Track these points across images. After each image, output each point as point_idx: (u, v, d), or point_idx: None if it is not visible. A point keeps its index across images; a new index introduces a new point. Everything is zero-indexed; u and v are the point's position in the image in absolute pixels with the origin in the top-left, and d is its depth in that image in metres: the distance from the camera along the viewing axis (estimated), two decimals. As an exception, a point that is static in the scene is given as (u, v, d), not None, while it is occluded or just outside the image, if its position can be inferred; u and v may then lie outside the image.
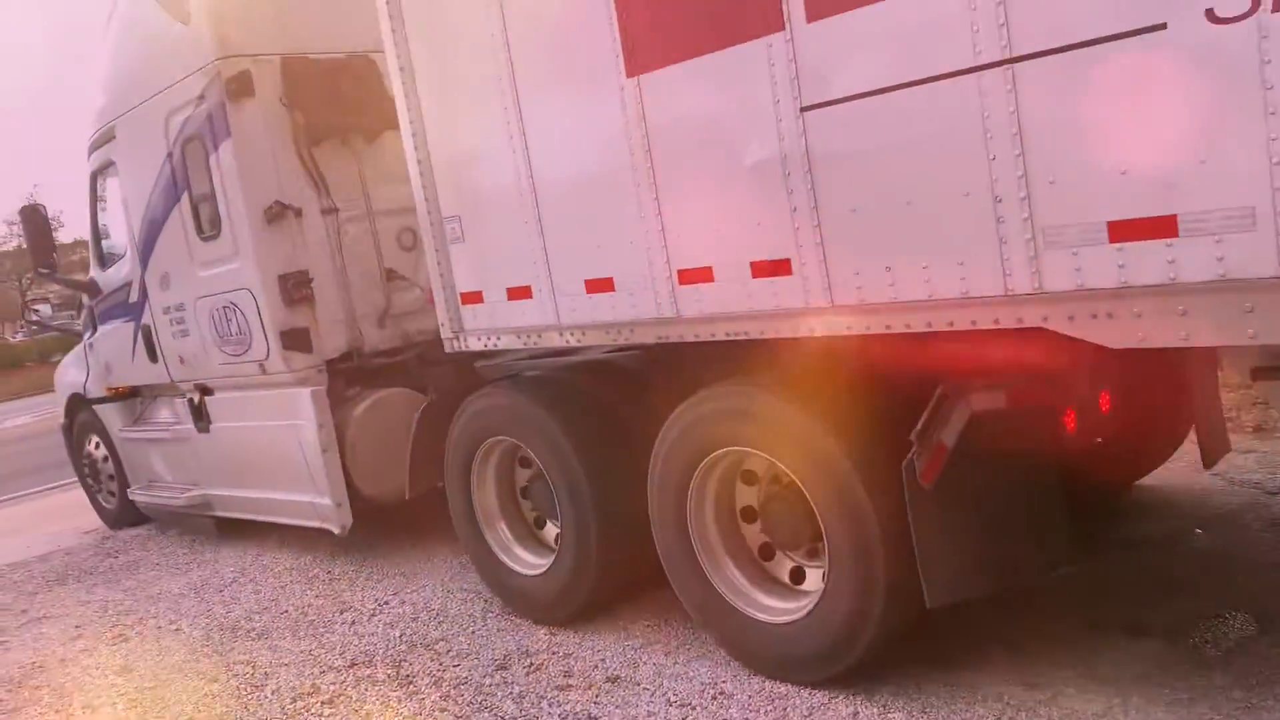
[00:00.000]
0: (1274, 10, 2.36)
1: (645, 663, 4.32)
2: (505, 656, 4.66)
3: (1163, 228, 2.63)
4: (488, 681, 4.45)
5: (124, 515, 8.84)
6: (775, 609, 3.98)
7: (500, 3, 4.20)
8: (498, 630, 4.99)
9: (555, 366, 5.00)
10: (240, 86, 6.13)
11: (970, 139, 2.92)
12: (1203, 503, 5.08)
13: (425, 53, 4.71)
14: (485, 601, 5.36)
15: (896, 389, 3.52)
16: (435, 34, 4.64)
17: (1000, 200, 2.91)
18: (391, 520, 6.45)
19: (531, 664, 4.53)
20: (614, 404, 4.67)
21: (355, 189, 6.49)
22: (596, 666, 4.38)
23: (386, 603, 5.69)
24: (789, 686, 3.88)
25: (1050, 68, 2.74)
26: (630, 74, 3.79)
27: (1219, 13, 2.44)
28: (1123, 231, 2.71)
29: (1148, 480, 5.27)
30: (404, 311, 6.56)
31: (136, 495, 8.40)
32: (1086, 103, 2.70)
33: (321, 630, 5.49)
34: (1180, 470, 5.31)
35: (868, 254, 3.27)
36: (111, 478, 8.84)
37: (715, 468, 4.06)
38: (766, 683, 3.94)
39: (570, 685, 4.25)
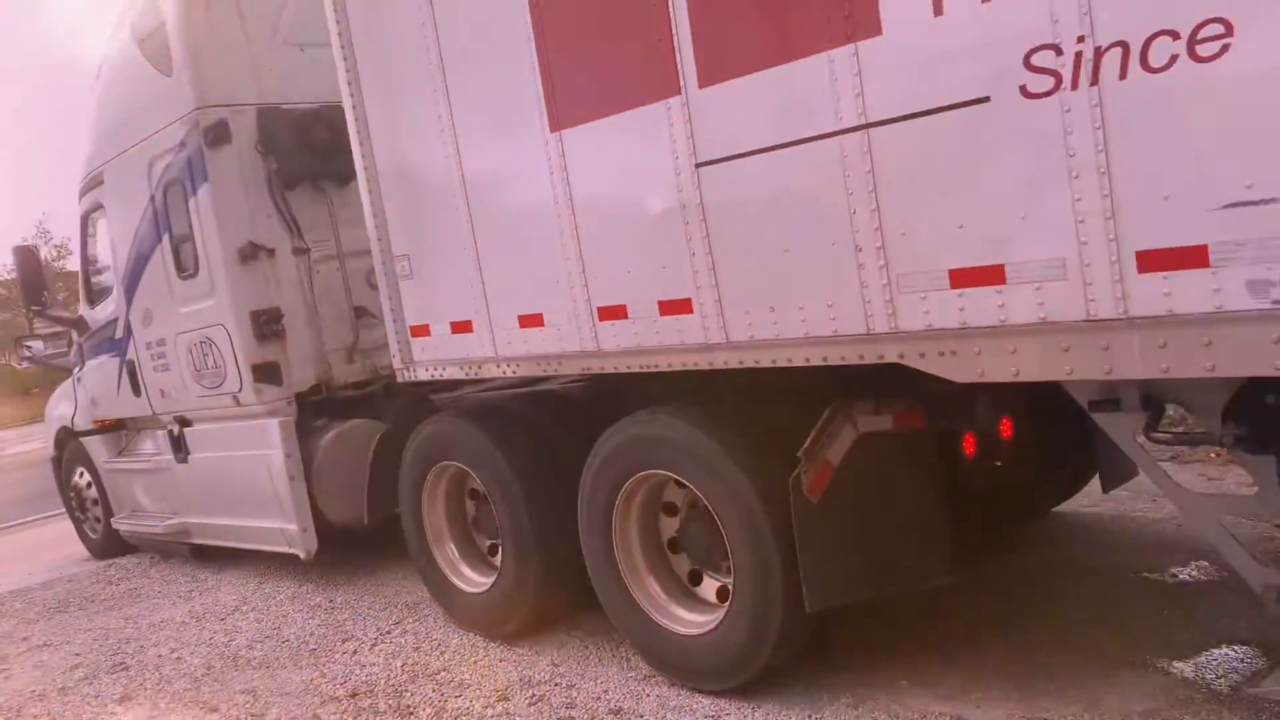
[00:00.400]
0: (1073, 88, 2.70)
1: (648, 695, 4.37)
2: (507, 687, 4.68)
3: (993, 276, 2.96)
4: (489, 712, 4.46)
5: (108, 544, 9.12)
6: (690, 621, 4.29)
7: (442, 64, 4.57)
8: (499, 660, 5.02)
9: (502, 396, 5.33)
10: (218, 134, 6.52)
11: (835, 195, 3.25)
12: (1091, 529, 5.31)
13: (378, 105, 5.08)
14: (487, 631, 5.39)
15: (794, 412, 3.82)
16: (386, 87, 5.01)
17: (860, 249, 3.24)
18: (393, 550, 6.47)
19: (534, 695, 4.55)
20: (553, 430, 5.00)
21: (326, 230, 6.84)
22: (599, 698, 4.41)
23: (388, 632, 5.74)
24: (792, 714, 3.97)
25: (899, 133, 3.08)
26: (553, 129, 4.14)
27: (1030, 89, 2.78)
28: (961, 279, 3.03)
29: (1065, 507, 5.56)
30: (372, 347, 6.88)
31: (120, 524, 8.71)
32: (929, 164, 3.04)
33: (323, 659, 5.53)
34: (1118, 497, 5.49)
35: (754, 295, 3.60)
36: (97, 505, 9.14)
37: (638, 489, 4.37)
38: (768, 713, 4.00)
39: (573, 717, 4.28)
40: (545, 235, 4.28)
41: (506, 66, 4.27)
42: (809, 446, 3.66)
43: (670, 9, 3.58)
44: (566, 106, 4.09)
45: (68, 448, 9.44)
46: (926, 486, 3.95)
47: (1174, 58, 2.52)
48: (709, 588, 4.35)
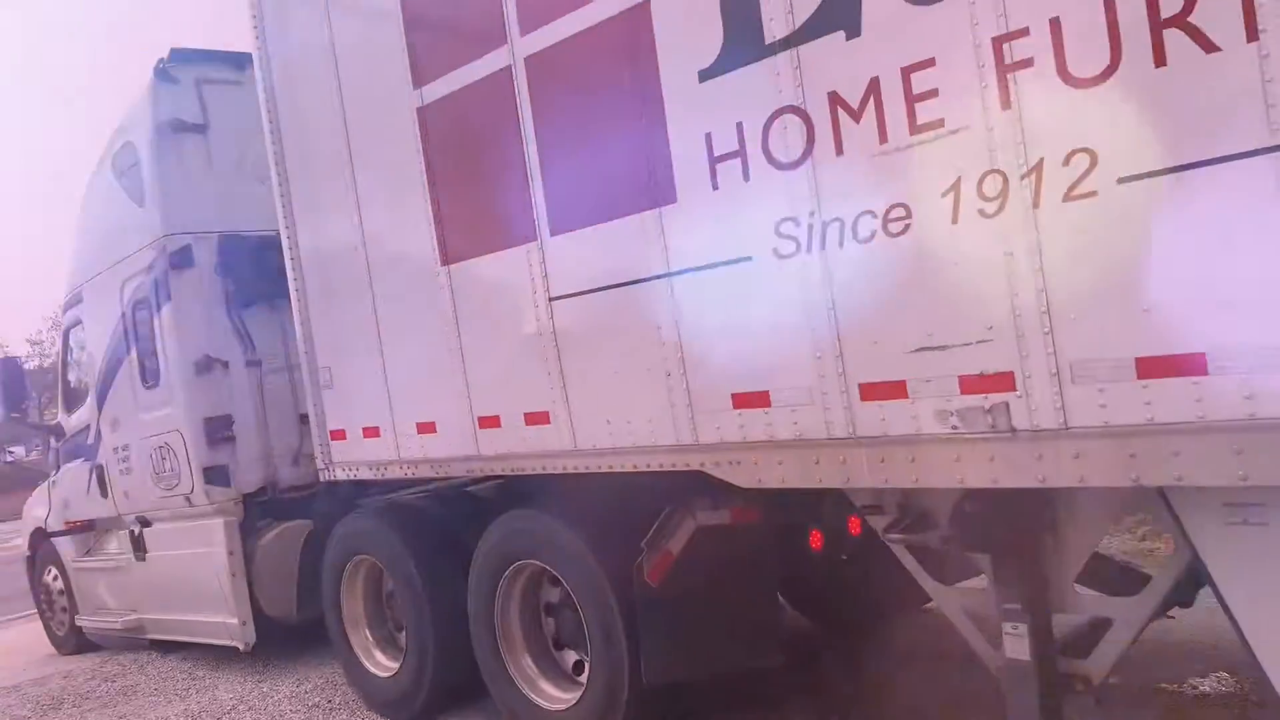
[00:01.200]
0: (808, 252, 3.37)
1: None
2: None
3: (762, 400, 3.59)
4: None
5: (72, 641, 9.56)
6: (557, 698, 4.80)
7: (360, 213, 5.31)
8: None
9: (415, 494, 5.93)
10: (182, 258, 7.25)
11: (649, 328, 3.91)
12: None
13: (308, 237, 5.83)
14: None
15: (646, 507, 4.36)
16: (315, 223, 5.76)
17: (669, 374, 3.88)
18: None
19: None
20: (454, 526, 5.56)
21: (277, 345, 7.50)
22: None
23: (386, 733, 5.78)
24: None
25: (693, 281, 3.75)
26: (444, 263, 4.84)
27: (780, 251, 3.45)
28: (741, 401, 3.66)
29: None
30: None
31: (83, 622, 9.19)
32: (714, 306, 3.70)
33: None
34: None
35: (595, 410, 4.23)
36: (65, 609, 9.60)
37: (518, 576, 4.92)
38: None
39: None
40: (438, 353, 4.93)
41: (406, 210, 4.98)
42: (651, 537, 4.23)
43: (528, 170, 4.29)
44: (454, 244, 4.79)
45: (41, 548, 9.97)
46: (759, 577, 4.49)
47: (874, 232, 3.19)
48: (575, 666, 4.86)
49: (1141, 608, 3.24)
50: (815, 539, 4.44)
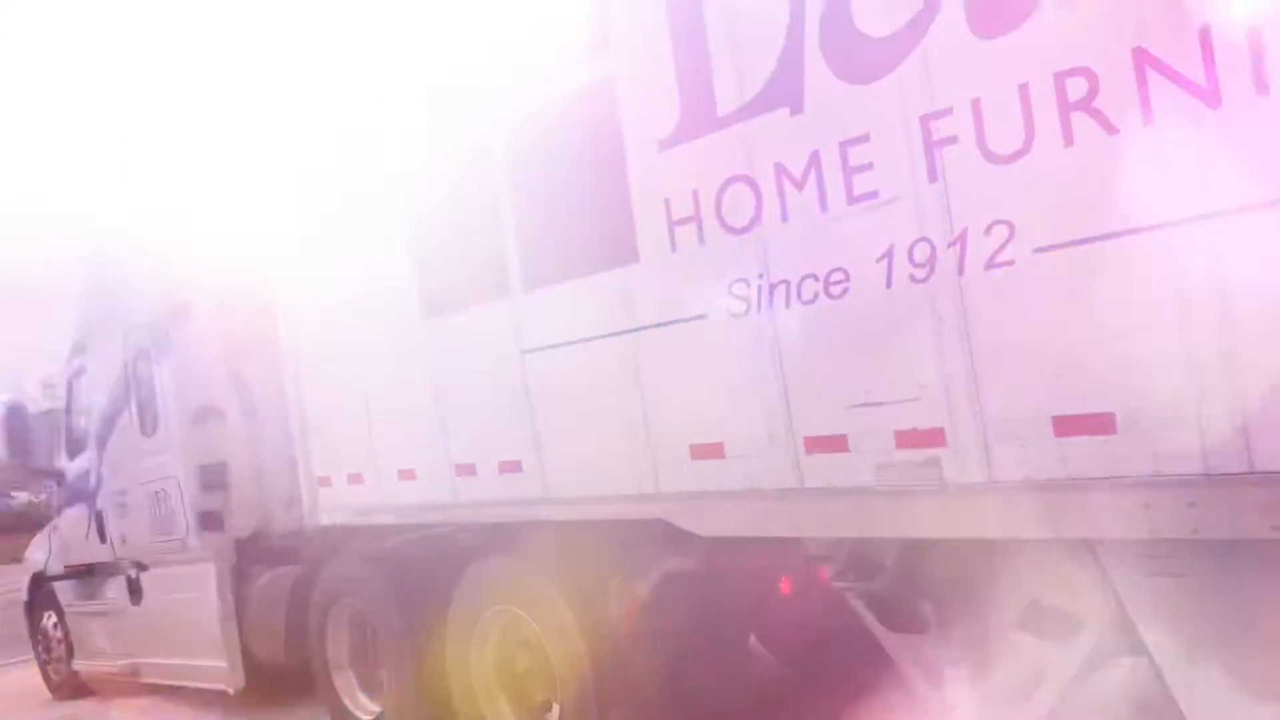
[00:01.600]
0: (758, 311, 3.56)
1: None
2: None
3: (716, 450, 3.76)
4: None
5: (69, 686, 9.67)
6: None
7: (348, 266, 5.53)
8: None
9: (399, 541, 6.07)
10: (183, 312, 7.50)
11: (616, 381, 4.09)
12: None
13: (299, 288, 6.05)
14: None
15: (619, 553, 4.51)
16: (306, 274, 5.98)
17: (632, 425, 4.05)
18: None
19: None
20: (436, 570, 5.69)
21: (274, 394, 7.70)
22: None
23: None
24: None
25: (655, 336, 3.94)
26: (426, 316, 5.04)
27: (733, 310, 3.64)
28: (698, 452, 3.83)
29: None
30: (309, 499, 7.65)
31: (79, 665, 9.31)
32: (674, 360, 3.89)
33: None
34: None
35: (569, 459, 4.40)
36: (62, 655, 9.72)
37: (494, 620, 5.04)
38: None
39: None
40: (419, 402, 5.12)
41: (389, 263, 5.19)
42: (621, 583, 4.37)
43: (503, 230, 4.51)
44: (437, 298, 4.99)
45: (39, 592, 10.12)
46: (731, 622, 4.62)
47: (816, 294, 3.38)
48: (549, 711, 4.97)
49: (1075, 655, 3.37)
50: (785, 585, 4.58)
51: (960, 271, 3.02)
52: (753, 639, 5.21)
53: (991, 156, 2.94)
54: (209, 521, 7.40)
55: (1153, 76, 2.62)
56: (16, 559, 11.17)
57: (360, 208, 5.40)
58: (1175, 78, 2.58)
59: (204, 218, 7.59)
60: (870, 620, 3.83)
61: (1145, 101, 2.64)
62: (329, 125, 5.55)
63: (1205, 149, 2.56)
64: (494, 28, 4.46)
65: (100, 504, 8.72)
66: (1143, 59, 2.63)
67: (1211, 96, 2.54)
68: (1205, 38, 2.53)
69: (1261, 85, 2.46)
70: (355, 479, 5.64)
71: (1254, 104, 2.48)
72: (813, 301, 3.39)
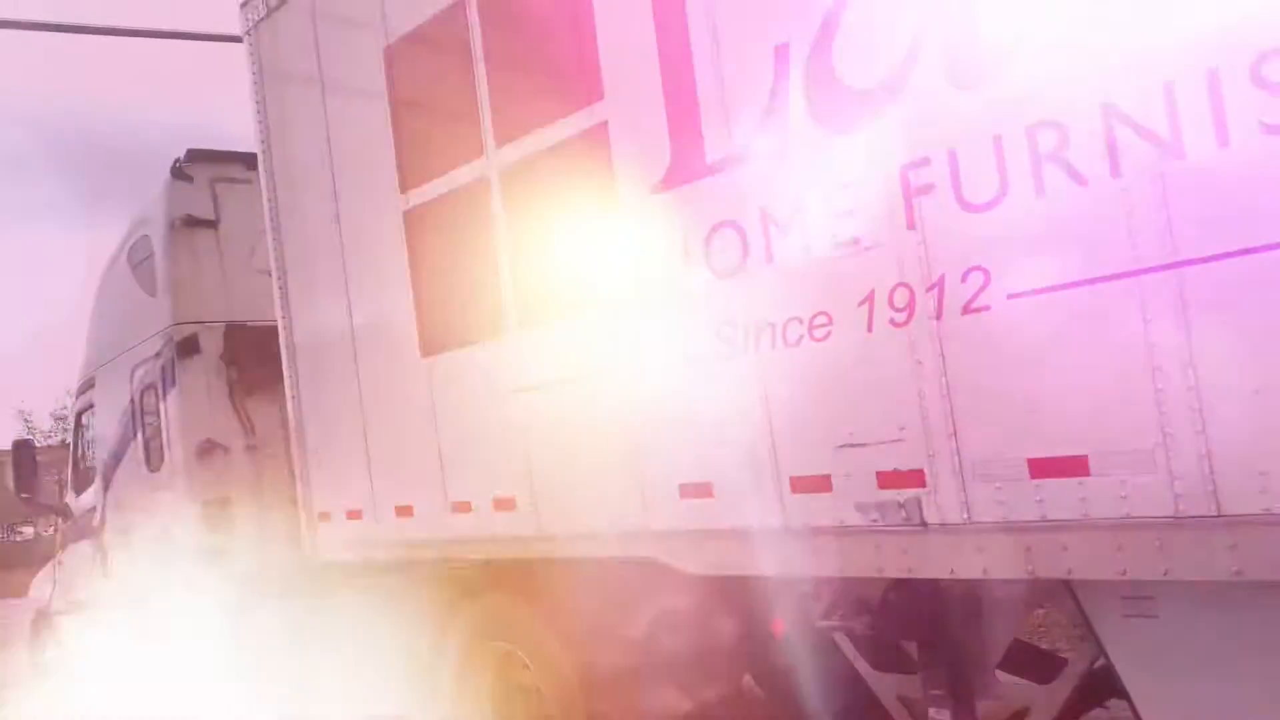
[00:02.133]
0: (744, 354, 3.63)
1: None
2: None
3: (705, 490, 3.82)
4: None
5: (68, 718, 9.70)
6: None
7: (350, 305, 5.63)
8: None
9: (402, 576, 6.12)
10: (188, 347, 7.60)
11: (606, 420, 4.16)
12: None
13: (302, 326, 6.15)
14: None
15: (613, 594, 4.56)
16: (309, 313, 6.09)
17: (624, 464, 4.11)
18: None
19: None
20: (433, 607, 5.73)
21: (277, 430, 7.80)
22: None
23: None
24: None
25: (645, 376, 4.01)
26: (424, 355, 5.13)
27: (721, 353, 3.72)
28: (688, 491, 3.89)
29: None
30: (311, 534, 7.72)
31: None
32: (664, 401, 3.95)
33: None
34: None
35: (561, 496, 4.45)
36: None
37: (487, 659, 5.09)
38: None
39: None
40: (417, 440, 5.18)
41: (393, 313, 5.29)
42: (617, 621, 4.41)
43: (499, 269, 4.60)
44: (434, 338, 5.08)
45: (43, 627, 10.16)
46: (725, 661, 4.66)
47: (801, 337, 3.46)
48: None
49: (1057, 695, 3.40)
50: (777, 625, 4.62)
51: (938, 316, 3.09)
52: (747, 678, 5.23)
53: (967, 205, 3.03)
54: (211, 556, 7.46)
55: (1120, 129, 2.71)
56: (20, 595, 11.28)
57: (365, 241, 5.51)
58: (1141, 131, 2.67)
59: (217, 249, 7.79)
60: (857, 659, 3.87)
61: (1113, 153, 2.72)
62: (338, 157, 5.68)
63: (1171, 199, 2.64)
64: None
65: (106, 540, 8.78)
66: (1110, 113, 2.72)
67: (1175, 149, 2.62)
68: (1169, 92, 2.63)
69: (1223, 138, 2.55)
70: (354, 515, 5.70)
71: (1217, 156, 2.57)
72: (797, 344, 3.47)
